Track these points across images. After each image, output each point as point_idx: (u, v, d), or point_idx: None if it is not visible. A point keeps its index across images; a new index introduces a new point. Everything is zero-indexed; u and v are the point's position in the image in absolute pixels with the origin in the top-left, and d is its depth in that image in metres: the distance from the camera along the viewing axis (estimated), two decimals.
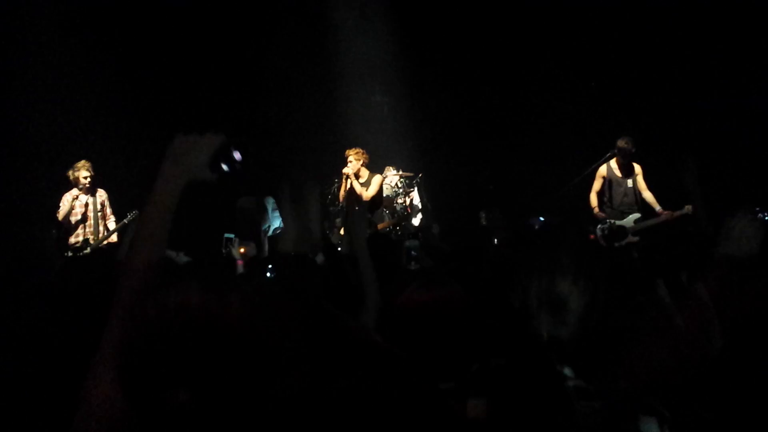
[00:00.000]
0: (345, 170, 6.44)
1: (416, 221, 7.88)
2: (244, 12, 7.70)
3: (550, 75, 7.83)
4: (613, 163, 6.23)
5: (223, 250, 5.02)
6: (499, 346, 1.29)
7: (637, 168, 6.23)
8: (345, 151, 6.56)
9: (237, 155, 1.31)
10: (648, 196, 6.18)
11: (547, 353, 1.17)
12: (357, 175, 6.47)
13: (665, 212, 5.93)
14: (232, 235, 5.06)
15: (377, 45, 8.70)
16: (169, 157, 1.30)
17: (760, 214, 4.02)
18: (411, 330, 1.45)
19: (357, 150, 6.52)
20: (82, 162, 6.00)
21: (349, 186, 6.42)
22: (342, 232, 6.36)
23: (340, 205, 6.83)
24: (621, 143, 6.03)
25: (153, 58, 7.32)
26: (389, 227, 6.80)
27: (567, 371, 1.15)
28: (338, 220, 7.01)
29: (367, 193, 6.44)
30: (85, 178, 5.98)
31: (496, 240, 4.90)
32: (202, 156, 1.30)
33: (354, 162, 6.44)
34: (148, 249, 1.25)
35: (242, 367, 0.98)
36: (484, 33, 7.93)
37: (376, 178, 6.59)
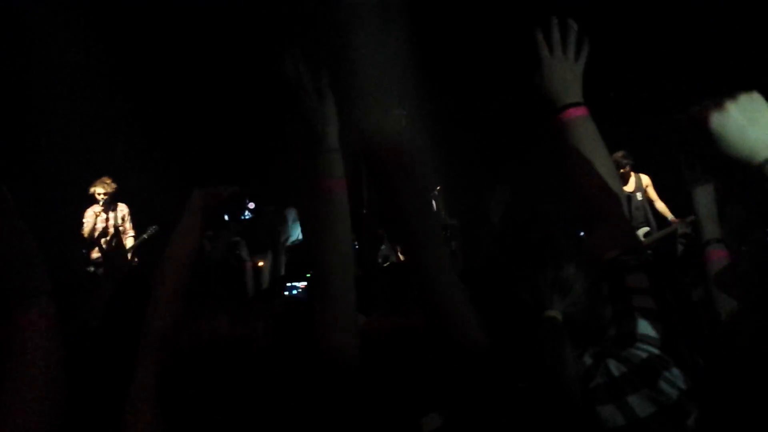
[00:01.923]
0: None
1: None
2: (259, 26, 7.74)
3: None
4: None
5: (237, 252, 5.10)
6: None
7: (646, 179, 6.06)
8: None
9: (251, 204, 1.40)
10: (660, 206, 6.01)
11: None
12: None
13: (676, 220, 5.59)
14: (238, 238, 5.18)
15: (395, 57, 8.73)
16: (189, 210, 1.38)
17: None
18: (375, 358, 1.45)
19: None
20: (101, 178, 6.06)
21: None
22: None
23: None
24: (616, 157, 5.76)
25: (170, 72, 7.39)
26: None
27: None
28: None
29: None
30: (99, 194, 6.02)
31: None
32: (219, 208, 1.41)
33: None
34: (170, 303, 1.26)
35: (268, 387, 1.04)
36: (505, 46, 7.86)
37: None
